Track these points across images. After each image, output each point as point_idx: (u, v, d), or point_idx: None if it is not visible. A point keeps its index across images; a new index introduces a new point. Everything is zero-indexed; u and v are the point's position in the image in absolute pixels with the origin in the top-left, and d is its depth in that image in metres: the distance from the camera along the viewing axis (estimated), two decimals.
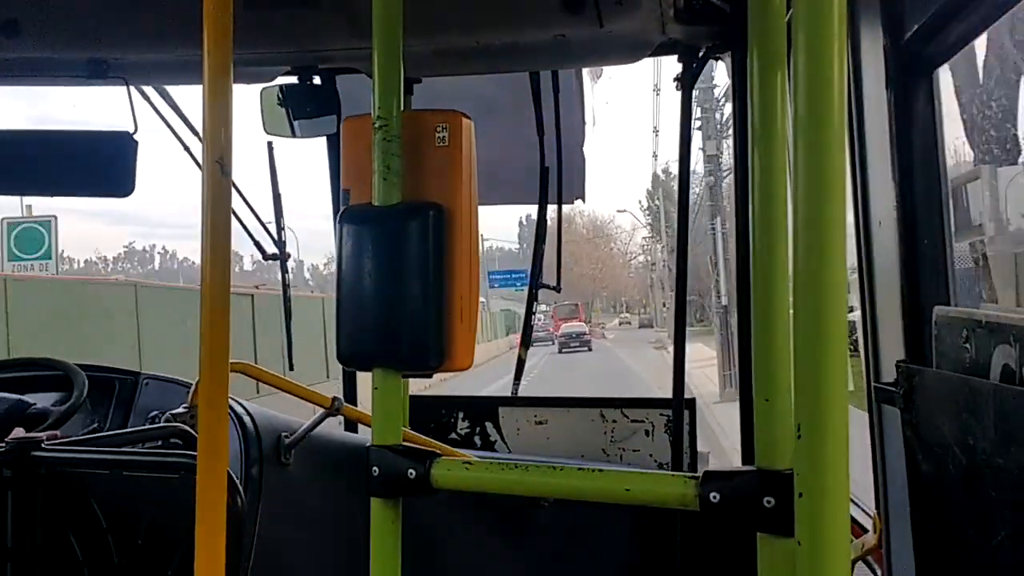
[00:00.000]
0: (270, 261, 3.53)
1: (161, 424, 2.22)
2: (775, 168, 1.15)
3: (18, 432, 2.46)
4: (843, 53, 0.96)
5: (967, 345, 1.38)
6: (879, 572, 1.86)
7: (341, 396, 2.67)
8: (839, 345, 0.96)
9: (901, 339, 1.65)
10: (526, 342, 3.63)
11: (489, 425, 3.25)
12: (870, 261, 1.77)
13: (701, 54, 2.72)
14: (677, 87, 2.80)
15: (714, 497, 1.19)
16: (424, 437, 2.55)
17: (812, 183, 0.95)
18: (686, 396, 2.85)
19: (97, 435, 2.26)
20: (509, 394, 3.48)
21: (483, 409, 3.26)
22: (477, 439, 3.26)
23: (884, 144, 1.65)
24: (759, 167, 1.16)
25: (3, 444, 1.89)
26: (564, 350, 45.92)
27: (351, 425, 3.10)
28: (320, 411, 2.58)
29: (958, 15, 1.42)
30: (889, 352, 1.70)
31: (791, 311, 1.14)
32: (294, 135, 3.32)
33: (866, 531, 1.87)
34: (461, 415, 3.27)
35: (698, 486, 1.19)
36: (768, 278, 1.16)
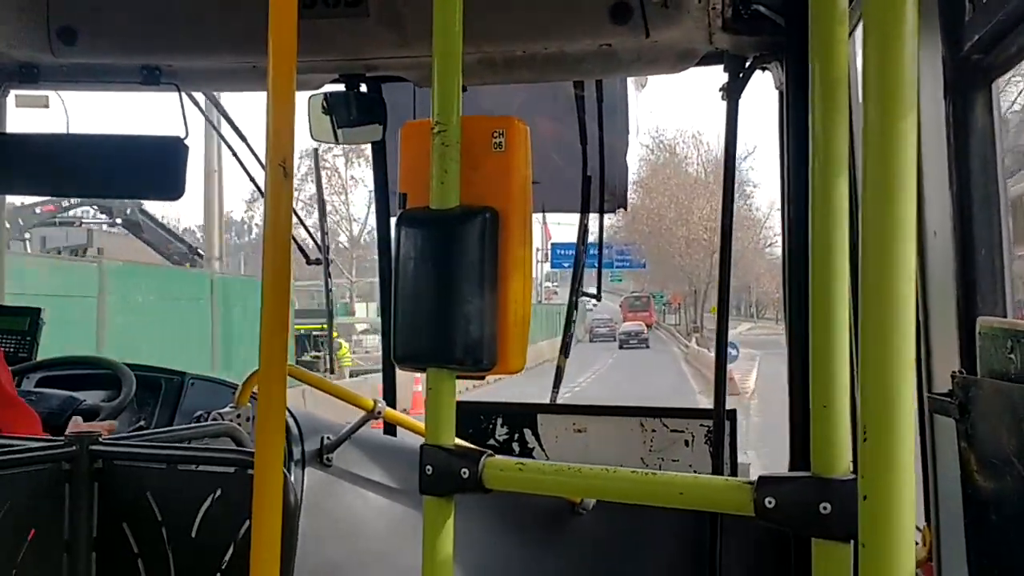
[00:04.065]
0: (313, 265, 3.59)
1: (213, 422, 2.26)
2: (836, 173, 1.16)
3: (77, 421, 2.52)
4: (913, 64, 0.97)
5: (1012, 356, 1.37)
6: None
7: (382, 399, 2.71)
8: (907, 349, 0.96)
9: (954, 349, 1.64)
10: (565, 350, 3.64)
11: (528, 432, 3.26)
12: (924, 271, 1.77)
13: (748, 64, 2.72)
14: (723, 97, 2.81)
15: (769, 502, 1.19)
16: (465, 443, 2.57)
17: (882, 189, 0.96)
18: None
19: (150, 431, 2.31)
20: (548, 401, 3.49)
21: (522, 416, 3.27)
22: (515, 446, 3.27)
23: (941, 154, 1.65)
24: (820, 173, 1.16)
25: (62, 438, 1.93)
26: (624, 347, 47.83)
27: (390, 428, 3.13)
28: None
29: (1019, 26, 1.42)
30: (942, 362, 1.70)
31: (849, 316, 1.14)
32: (338, 142, 3.37)
33: (915, 544, 1.86)
34: (500, 421, 3.28)
35: (753, 491, 1.20)
36: (828, 286, 1.16)
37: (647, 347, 48.36)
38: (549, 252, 46.23)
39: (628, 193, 3.69)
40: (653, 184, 56.07)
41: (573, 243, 3.53)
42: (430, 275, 1.46)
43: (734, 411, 2.93)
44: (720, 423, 2.83)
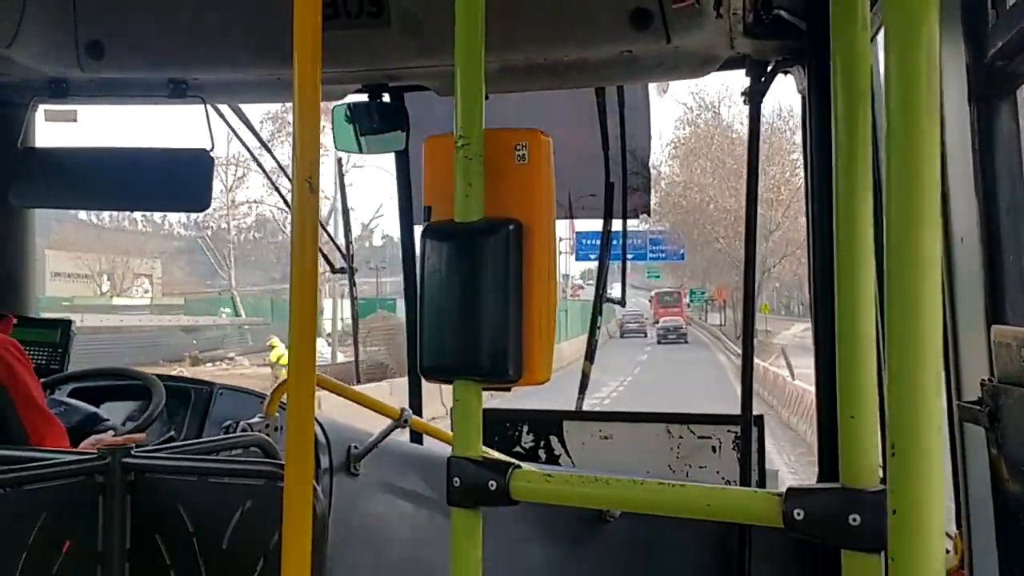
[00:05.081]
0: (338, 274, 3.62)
1: (243, 434, 2.29)
2: (859, 180, 1.16)
3: (102, 438, 2.55)
4: (935, 69, 0.97)
5: None
6: None
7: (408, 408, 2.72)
8: (934, 360, 0.95)
9: (983, 357, 1.63)
10: (590, 356, 3.64)
11: (554, 439, 3.26)
12: (951, 278, 1.75)
13: (770, 68, 2.72)
14: (745, 101, 2.80)
15: (798, 514, 1.18)
16: (492, 451, 2.57)
17: (907, 195, 0.95)
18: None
19: (181, 443, 2.33)
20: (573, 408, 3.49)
21: (548, 423, 3.27)
22: (542, 453, 3.27)
23: (967, 161, 1.64)
24: (844, 179, 1.16)
25: (95, 451, 1.96)
26: (662, 341, 48.15)
27: (417, 436, 3.14)
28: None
29: None
30: (971, 370, 1.69)
31: (876, 325, 1.14)
32: (361, 151, 3.40)
33: (946, 552, 1.85)
34: (526, 428, 3.29)
35: (782, 503, 1.19)
36: (854, 293, 1.15)
37: (686, 342, 48.32)
38: (574, 242, 40.81)
39: (656, 176, 3.66)
40: (694, 145, 47.15)
41: (599, 231, 3.49)
42: (455, 288, 1.47)
43: (761, 416, 2.91)
44: (747, 429, 2.82)
